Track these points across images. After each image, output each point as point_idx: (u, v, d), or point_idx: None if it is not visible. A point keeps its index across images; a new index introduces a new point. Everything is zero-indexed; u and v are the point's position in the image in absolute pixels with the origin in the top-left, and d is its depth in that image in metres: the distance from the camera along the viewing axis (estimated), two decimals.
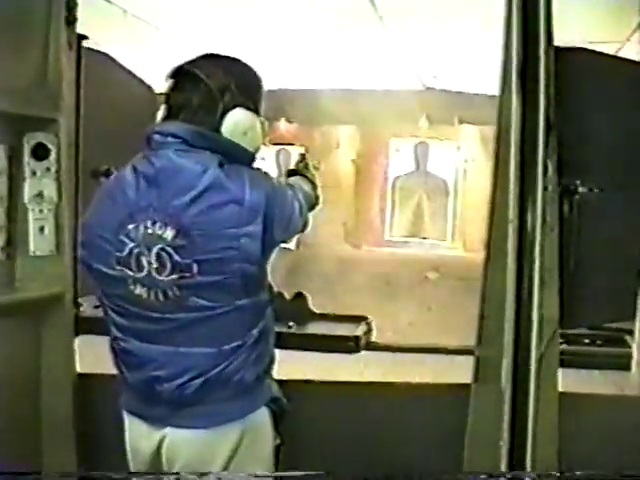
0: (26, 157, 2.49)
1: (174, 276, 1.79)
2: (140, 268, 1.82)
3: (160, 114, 1.92)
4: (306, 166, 2.40)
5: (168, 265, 1.79)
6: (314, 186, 2.30)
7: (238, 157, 1.88)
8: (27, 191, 2.50)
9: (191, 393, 1.86)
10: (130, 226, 1.82)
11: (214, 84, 1.86)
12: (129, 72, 3.21)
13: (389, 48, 5.20)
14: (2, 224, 2.46)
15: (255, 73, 1.98)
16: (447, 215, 7.14)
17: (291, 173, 2.37)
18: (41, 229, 2.52)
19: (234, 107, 1.87)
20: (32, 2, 2.48)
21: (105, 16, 3.96)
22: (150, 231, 1.80)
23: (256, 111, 1.93)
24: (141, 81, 3.29)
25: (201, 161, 1.81)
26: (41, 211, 2.52)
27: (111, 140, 2.88)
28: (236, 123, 1.88)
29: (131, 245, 1.81)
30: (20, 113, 2.45)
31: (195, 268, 1.78)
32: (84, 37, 2.79)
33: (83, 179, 2.79)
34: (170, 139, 1.84)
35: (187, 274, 1.79)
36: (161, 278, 1.80)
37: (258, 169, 1.94)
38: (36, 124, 2.50)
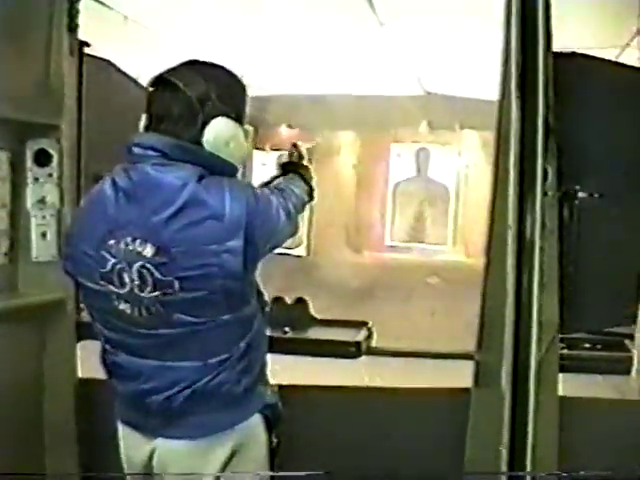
0: (28, 163, 2.51)
1: (156, 293, 1.75)
2: (123, 284, 1.78)
3: (142, 124, 1.86)
4: (300, 156, 2.33)
5: (149, 282, 1.75)
6: (308, 178, 2.22)
7: (220, 169, 1.82)
8: (29, 197, 2.51)
9: (179, 405, 1.84)
10: (111, 242, 1.77)
11: (194, 93, 1.79)
12: (130, 78, 3.23)
13: (390, 53, 5.21)
14: (5, 230, 2.48)
15: (238, 80, 1.91)
16: (448, 220, 7.14)
17: (284, 166, 2.28)
18: (43, 235, 2.53)
19: (215, 117, 1.80)
20: (34, 9, 2.50)
21: (106, 22, 3.97)
22: (130, 247, 1.75)
23: (239, 120, 1.87)
24: (142, 87, 3.29)
25: (180, 175, 1.75)
26: (43, 217, 2.53)
27: (113, 146, 2.88)
28: (218, 133, 1.81)
29: (113, 261, 1.77)
30: (22, 120, 2.46)
31: (177, 285, 1.73)
32: (85, 44, 2.80)
33: (85, 185, 2.79)
34: (150, 152, 1.78)
35: (169, 291, 1.74)
36: (143, 295, 1.76)
37: (241, 180, 1.89)
38: (38, 130, 2.51)
